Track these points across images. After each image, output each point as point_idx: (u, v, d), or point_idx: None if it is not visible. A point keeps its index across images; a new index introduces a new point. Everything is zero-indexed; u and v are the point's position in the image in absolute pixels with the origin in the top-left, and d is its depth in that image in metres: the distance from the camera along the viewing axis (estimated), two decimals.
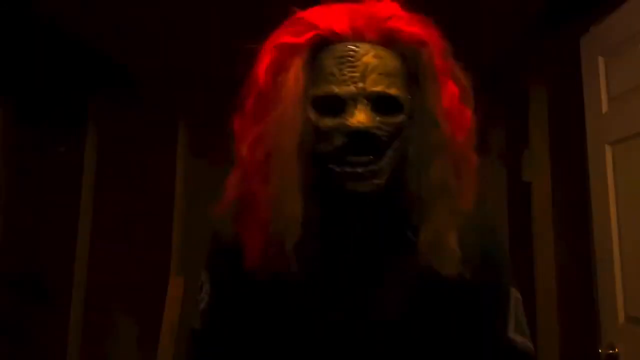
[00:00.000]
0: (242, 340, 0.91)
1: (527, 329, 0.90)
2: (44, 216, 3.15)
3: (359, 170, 0.78)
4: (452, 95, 0.84)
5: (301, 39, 0.81)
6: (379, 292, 0.85)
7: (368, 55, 0.80)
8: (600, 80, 1.98)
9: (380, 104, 0.80)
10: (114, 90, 3.19)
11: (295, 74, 0.80)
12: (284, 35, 0.83)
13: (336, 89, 0.79)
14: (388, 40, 0.82)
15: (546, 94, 2.62)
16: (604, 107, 1.97)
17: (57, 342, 3.01)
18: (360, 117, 0.78)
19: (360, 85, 0.79)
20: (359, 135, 0.78)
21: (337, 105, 0.80)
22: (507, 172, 2.88)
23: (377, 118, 0.79)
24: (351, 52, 0.80)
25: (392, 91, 0.80)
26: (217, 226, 0.96)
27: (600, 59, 1.99)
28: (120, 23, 2.55)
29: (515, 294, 0.90)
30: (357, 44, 0.81)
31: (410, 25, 0.82)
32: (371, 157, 0.79)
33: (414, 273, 0.83)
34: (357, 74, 0.79)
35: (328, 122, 0.80)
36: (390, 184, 0.81)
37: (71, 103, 3.19)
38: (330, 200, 0.83)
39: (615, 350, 1.85)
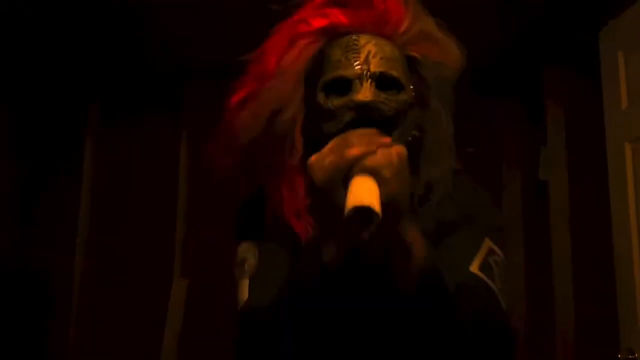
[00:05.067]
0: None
1: (499, 282, 0.91)
2: (43, 213, 3.11)
3: None
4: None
5: (310, 28, 0.93)
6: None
7: (370, 43, 0.90)
8: (620, 75, 1.92)
9: (383, 83, 0.89)
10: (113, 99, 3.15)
11: (296, 56, 0.91)
12: (290, 26, 0.94)
13: (343, 72, 0.89)
14: (385, 32, 0.93)
15: (563, 91, 2.55)
16: (624, 103, 1.91)
17: (57, 347, 2.96)
18: (365, 93, 0.87)
19: (365, 67, 0.89)
20: (366, 108, 0.87)
21: (344, 87, 0.89)
22: (522, 171, 2.81)
23: (382, 95, 0.88)
24: (354, 42, 0.91)
25: (394, 72, 0.90)
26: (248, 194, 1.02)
27: (620, 54, 1.92)
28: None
29: (488, 243, 0.94)
30: (359, 35, 0.91)
31: (403, 18, 0.94)
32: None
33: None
34: (361, 59, 0.89)
35: (336, 101, 0.89)
36: None
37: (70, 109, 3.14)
38: None
39: (634, 355, 1.79)
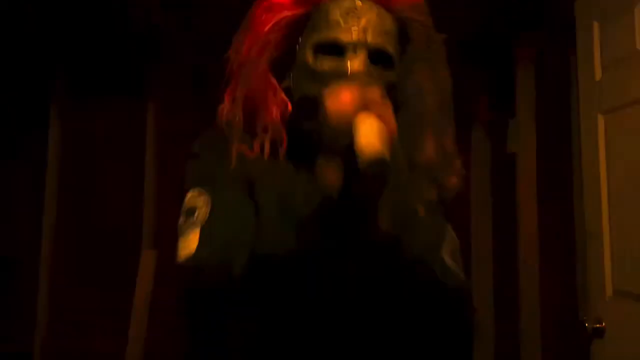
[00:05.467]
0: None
1: (460, 268, 0.90)
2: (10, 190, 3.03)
3: None
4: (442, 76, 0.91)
5: None
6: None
7: (371, 12, 0.87)
8: (595, 46, 1.90)
9: (376, 57, 0.86)
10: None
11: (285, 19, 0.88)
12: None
13: (339, 35, 0.86)
14: (387, 4, 0.89)
15: (533, 62, 2.55)
16: (598, 74, 1.90)
17: (25, 321, 2.92)
18: (357, 63, 0.84)
19: (362, 35, 0.85)
20: (356, 79, 0.79)
21: (337, 51, 0.86)
22: (491, 143, 2.81)
23: (372, 69, 0.85)
24: (357, 6, 0.87)
25: (389, 48, 0.87)
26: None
27: (596, 24, 1.90)
28: None
29: (450, 229, 0.92)
30: (362, 1, 0.88)
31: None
32: None
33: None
34: (360, 26, 0.85)
35: (326, 64, 0.86)
36: None
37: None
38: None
39: (602, 324, 1.82)
